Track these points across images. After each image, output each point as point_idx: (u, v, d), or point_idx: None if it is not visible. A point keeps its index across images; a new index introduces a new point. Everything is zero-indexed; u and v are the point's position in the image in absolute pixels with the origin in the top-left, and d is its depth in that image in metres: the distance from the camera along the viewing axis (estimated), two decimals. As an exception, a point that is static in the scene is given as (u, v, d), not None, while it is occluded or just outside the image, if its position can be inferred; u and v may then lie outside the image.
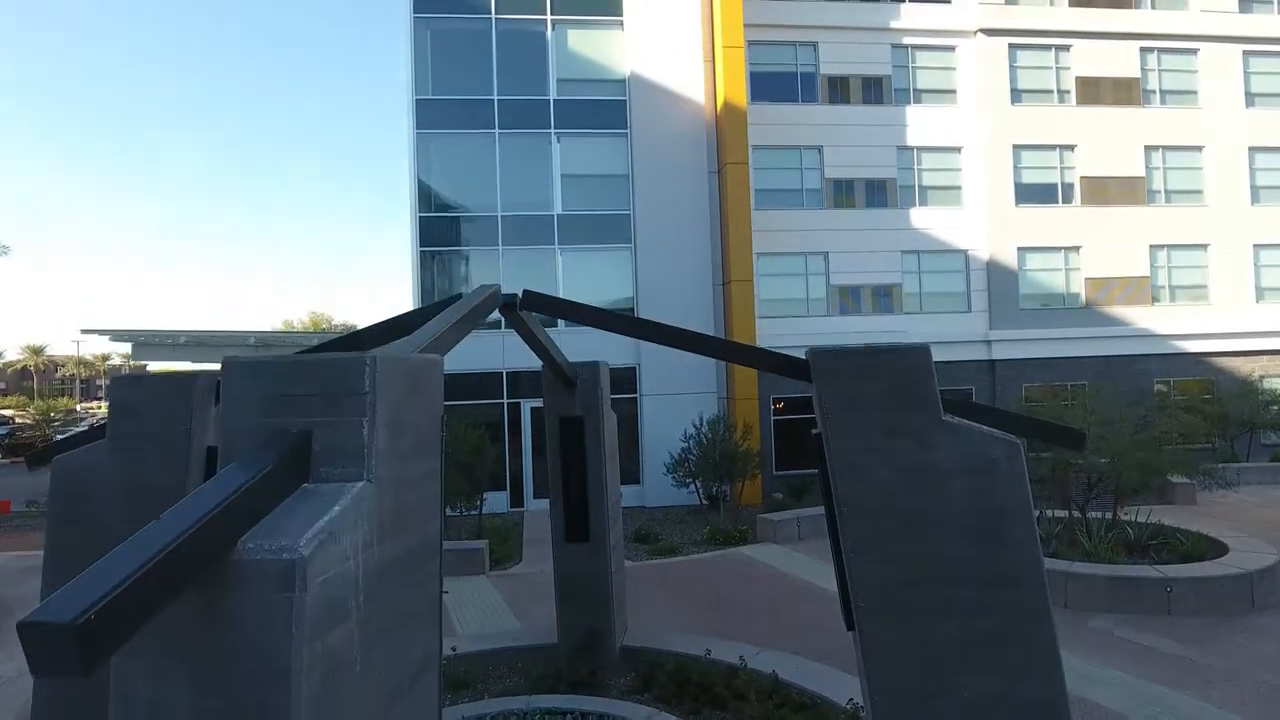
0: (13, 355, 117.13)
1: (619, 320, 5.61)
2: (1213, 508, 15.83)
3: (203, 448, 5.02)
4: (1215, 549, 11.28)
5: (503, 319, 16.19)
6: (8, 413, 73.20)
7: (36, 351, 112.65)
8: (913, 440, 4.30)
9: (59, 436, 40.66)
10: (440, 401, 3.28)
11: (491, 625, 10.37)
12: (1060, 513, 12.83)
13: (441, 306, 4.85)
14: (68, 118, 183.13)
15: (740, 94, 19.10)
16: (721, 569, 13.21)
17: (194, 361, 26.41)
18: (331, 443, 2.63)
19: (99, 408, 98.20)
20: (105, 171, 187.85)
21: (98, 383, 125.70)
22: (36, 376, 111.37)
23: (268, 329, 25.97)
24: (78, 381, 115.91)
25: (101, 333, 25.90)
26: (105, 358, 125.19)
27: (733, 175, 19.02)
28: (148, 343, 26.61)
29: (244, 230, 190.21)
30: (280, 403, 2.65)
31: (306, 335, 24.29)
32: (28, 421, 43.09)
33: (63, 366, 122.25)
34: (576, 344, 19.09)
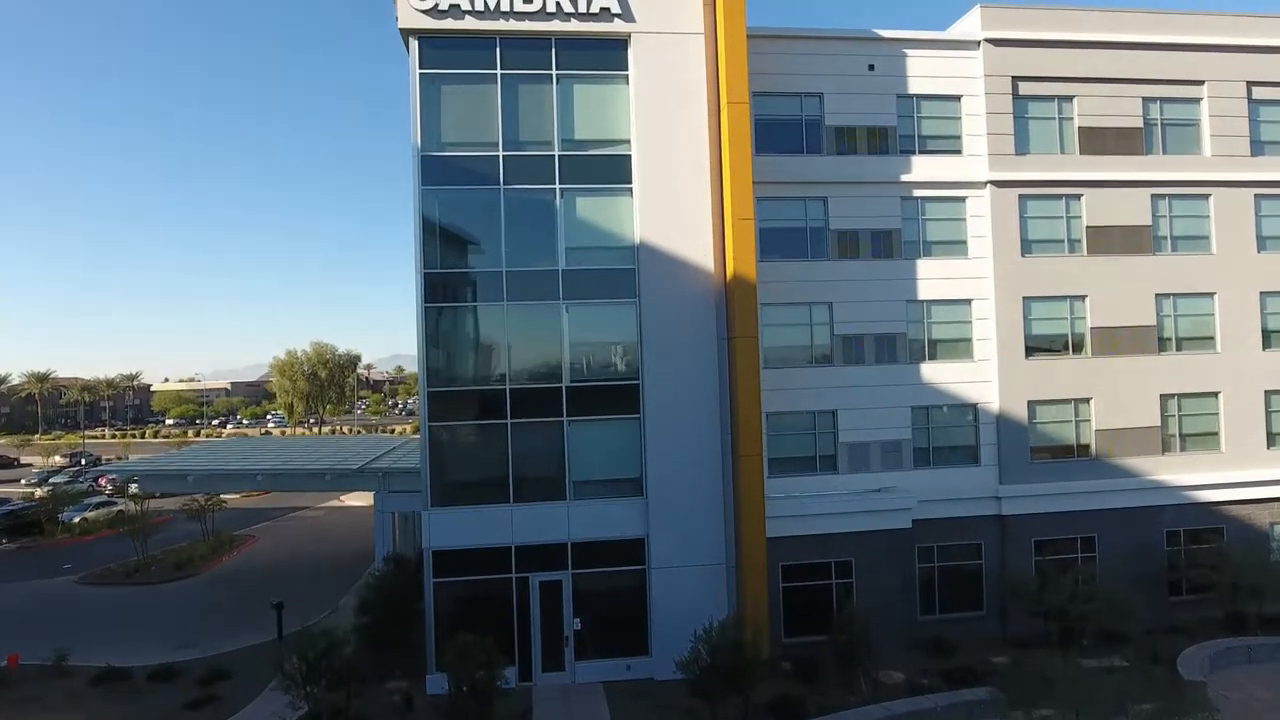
0: (16, 380, 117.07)
1: None
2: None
3: None
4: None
5: (511, 496, 15.91)
6: (12, 453, 73.62)
7: (41, 379, 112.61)
8: None
9: (63, 514, 40.19)
10: None
11: None
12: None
13: None
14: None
15: (750, 267, 18.98)
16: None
17: (203, 492, 26.69)
18: None
19: (105, 438, 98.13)
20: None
21: (101, 404, 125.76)
22: (40, 403, 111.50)
23: (276, 466, 25.94)
24: (81, 408, 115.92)
25: (112, 472, 26.16)
26: (110, 383, 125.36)
27: (742, 348, 18.92)
28: (157, 476, 26.50)
29: (246, 255, 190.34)
30: None
31: (318, 473, 24.20)
32: (31, 497, 42.84)
33: (67, 390, 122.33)
34: (587, 515, 19.09)
